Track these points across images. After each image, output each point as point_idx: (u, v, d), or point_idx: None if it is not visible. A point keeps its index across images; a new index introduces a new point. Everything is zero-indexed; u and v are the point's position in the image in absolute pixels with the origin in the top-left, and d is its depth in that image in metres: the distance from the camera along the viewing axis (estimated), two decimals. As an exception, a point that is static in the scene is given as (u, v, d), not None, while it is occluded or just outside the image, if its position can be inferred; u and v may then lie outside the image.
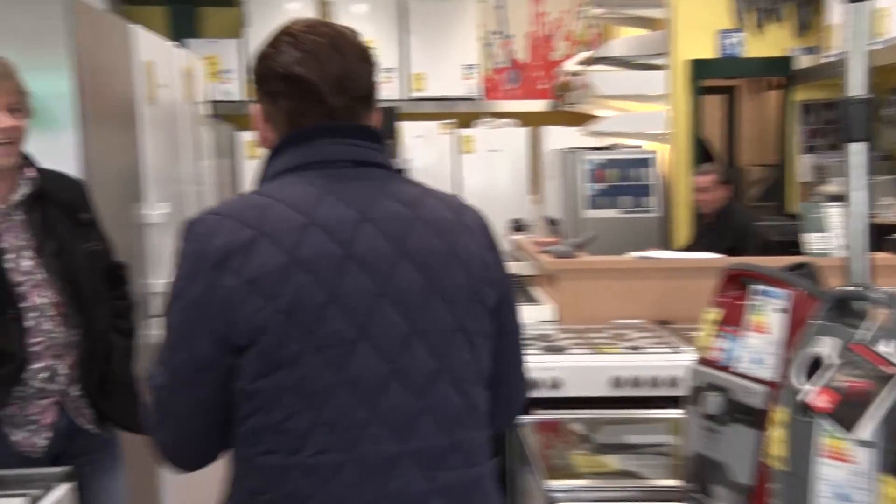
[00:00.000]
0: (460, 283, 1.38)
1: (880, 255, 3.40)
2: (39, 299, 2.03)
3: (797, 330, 1.54)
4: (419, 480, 1.31)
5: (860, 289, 1.50)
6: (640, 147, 6.17)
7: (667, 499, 1.84)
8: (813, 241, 3.38)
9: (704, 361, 1.73)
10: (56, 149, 2.48)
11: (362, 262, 1.32)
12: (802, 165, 6.08)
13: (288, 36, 1.40)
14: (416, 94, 7.45)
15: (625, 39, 6.49)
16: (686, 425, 1.76)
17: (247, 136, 6.82)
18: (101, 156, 2.64)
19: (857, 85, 1.64)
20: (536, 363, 2.89)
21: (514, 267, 4.14)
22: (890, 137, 5.83)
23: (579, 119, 7.38)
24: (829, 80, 5.88)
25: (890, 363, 1.34)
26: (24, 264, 2.03)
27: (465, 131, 7.43)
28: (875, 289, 1.47)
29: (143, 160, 3.02)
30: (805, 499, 1.40)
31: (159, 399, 1.37)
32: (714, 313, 1.75)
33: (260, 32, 7.18)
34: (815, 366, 1.44)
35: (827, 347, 1.43)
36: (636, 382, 2.89)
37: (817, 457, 1.38)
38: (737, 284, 1.76)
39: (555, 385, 2.88)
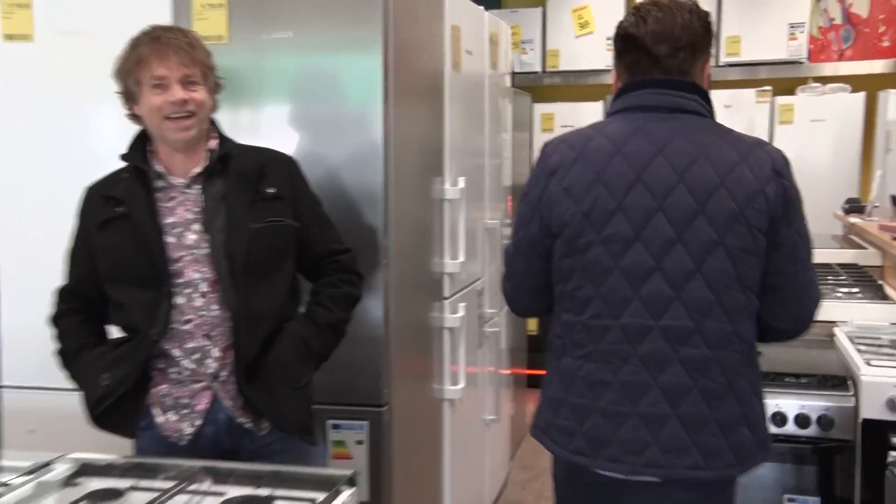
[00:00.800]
0: (726, 208, 1.68)
1: None
2: (195, 275, 1.91)
3: None
4: (665, 349, 1.71)
5: None
6: None
7: None
8: None
9: None
10: (362, 124, 2.38)
11: (647, 184, 1.71)
12: None
13: (634, 8, 1.80)
14: (727, 60, 6.82)
15: None
16: None
17: (544, 109, 6.62)
18: (405, 130, 2.51)
19: None
20: (892, 377, 2.38)
21: (849, 255, 3.56)
22: None
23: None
24: None
25: None
26: (190, 238, 1.93)
27: (783, 99, 6.69)
28: None
29: (446, 133, 2.86)
30: None
31: (507, 260, 1.95)
32: None
33: (561, 3, 6.99)
34: None
35: None
36: None
37: None
38: None
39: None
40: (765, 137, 6.79)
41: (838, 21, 7.05)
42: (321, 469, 1.99)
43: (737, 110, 6.66)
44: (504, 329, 3.73)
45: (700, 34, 1.76)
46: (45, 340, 2.06)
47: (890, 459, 2.31)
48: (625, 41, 1.79)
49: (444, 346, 2.84)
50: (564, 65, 6.99)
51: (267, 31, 2.40)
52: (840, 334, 2.82)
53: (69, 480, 1.74)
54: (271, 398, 1.93)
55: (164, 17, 2.36)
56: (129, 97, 1.95)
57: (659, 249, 1.71)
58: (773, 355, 2.71)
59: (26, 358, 2.55)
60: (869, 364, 2.45)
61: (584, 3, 6.92)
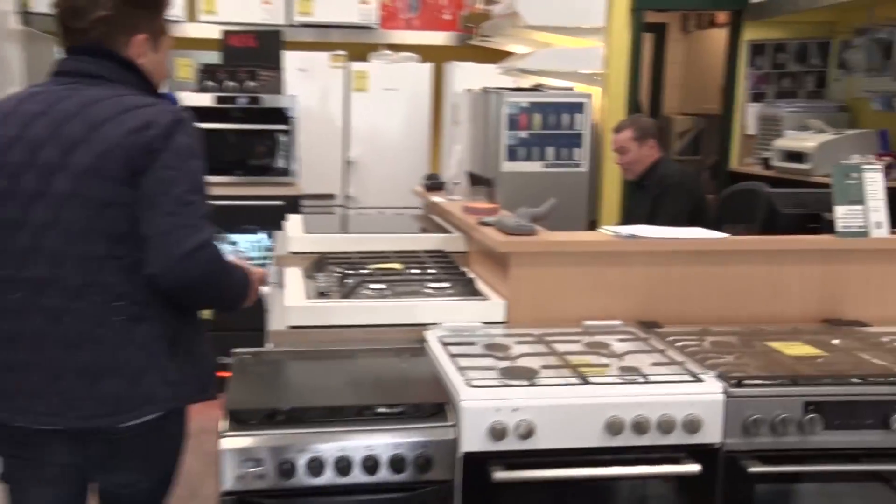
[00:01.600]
0: (85, 162, 1.82)
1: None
2: None
3: None
4: (28, 300, 1.85)
5: None
6: (571, 89, 5.25)
7: None
8: (845, 216, 2.55)
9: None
10: None
11: (26, 142, 1.85)
12: (748, 116, 5.31)
13: None
14: (300, 19, 6.29)
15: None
16: None
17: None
18: None
19: None
20: (495, 400, 1.96)
21: (434, 241, 3.17)
22: (848, 86, 5.12)
23: (491, 55, 6.40)
24: (777, 18, 5.11)
25: None
26: None
27: (357, 65, 6.34)
28: None
29: None
30: None
31: None
32: None
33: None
34: None
35: None
36: (641, 427, 1.99)
37: None
38: None
39: (525, 434, 1.95)
40: (339, 105, 6.51)
41: (405, -13, 6.86)
42: None
43: (312, 74, 6.15)
44: None
45: (114, 8, 1.90)
46: None
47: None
48: (55, 16, 1.94)
49: None
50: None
51: None
52: (433, 340, 2.37)
53: None
54: None
55: None
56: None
57: (26, 203, 1.83)
58: (360, 370, 2.20)
59: None
60: (470, 385, 2.00)
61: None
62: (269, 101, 5.09)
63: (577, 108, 5.09)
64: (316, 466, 1.88)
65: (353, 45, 6.55)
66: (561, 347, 2.30)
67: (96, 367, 1.82)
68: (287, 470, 1.87)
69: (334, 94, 6.27)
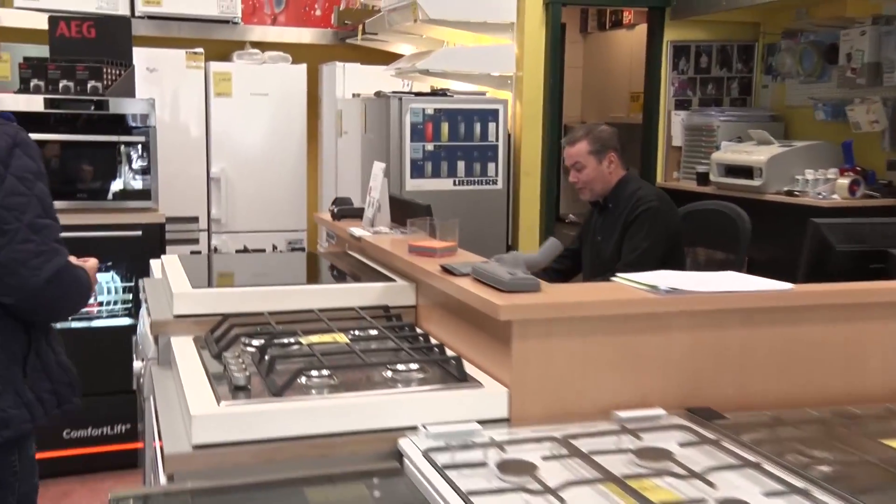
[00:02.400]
0: None
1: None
2: None
3: None
4: None
5: None
6: (483, 94, 4.56)
7: None
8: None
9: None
10: None
11: None
12: (674, 125, 4.80)
13: None
14: (146, 10, 5.29)
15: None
16: None
17: None
18: None
19: None
20: None
21: (375, 292, 2.40)
22: (779, 93, 4.70)
23: (375, 56, 5.64)
24: (701, 17, 4.63)
25: None
26: None
27: (218, 65, 5.42)
28: None
29: None
30: None
31: None
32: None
33: None
34: None
35: None
36: None
37: None
38: None
39: None
40: (198, 111, 5.56)
41: (274, -24, 5.99)
42: None
43: (163, 75, 5.17)
44: None
45: None
46: None
47: None
48: None
49: None
50: None
51: None
52: (414, 455, 1.61)
53: None
54: None
55: None
56: None
57: None
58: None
59: None
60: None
61: None
62: (117, 105, 4.10)
63: (490, 115, 4.41)
64: None
65: (213, 42, 5.62)
66: (605, 461, 1.58)
67: None
68: None
69: (191, 98, 5.32)
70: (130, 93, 4.25)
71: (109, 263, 3.88)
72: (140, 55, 4.86)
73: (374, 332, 2.11)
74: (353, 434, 1.69)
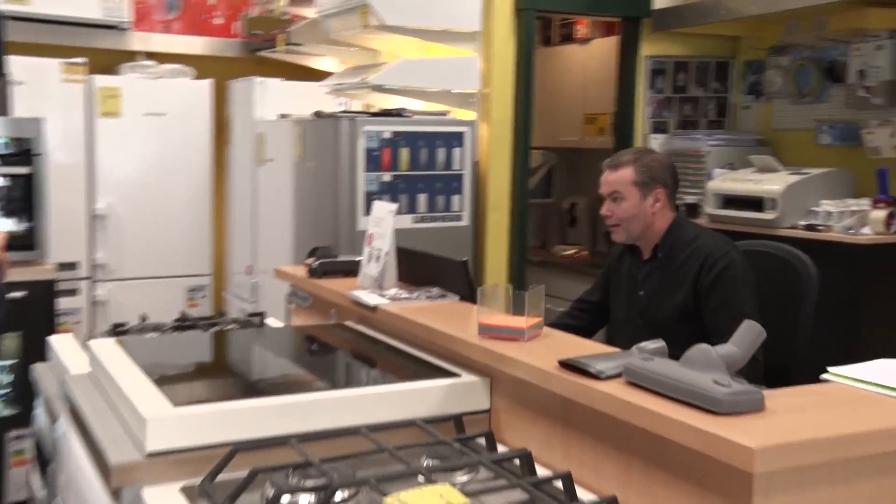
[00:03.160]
0: None
1: None
2: None
3: None
4: None
5: None
6: (444, 114, 3.87)
7: None
8: None
9: None
10: None
11: None
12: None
13: None
14: (11, 9, 4.32)
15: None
16: None
17: None
18: None
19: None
20: None
21: (395, 398, 1.68)
22: (764, 114, 4.25)
23: (291, 72, 4.86)
24: (679, 30, 4.14)
25: None
26: None
27: (104, 79, 4.50)
28: None
29: None
30: None
31: None
32: None
33: None
34: None
35: None
36: None
37: None
38: None
39: None
40: (80, 135, 4.60)
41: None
42: None
43: (35, 90, 4.21)
44: None
45: None
46: None
47: None
48: None
49: None
50: None
51: None
52: None
53: None
54: None
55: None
56: None
57: None
58: None
59: None
60: None
61: None
62: (-10, 127, 3.16)
63: (455, 139, 3.73)
64: None
65: (97, 51, 4.69)
66: None
67: None
68: None
69: (70, 119, 4.38)
70: (3, 111, 3.32)
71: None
72: (14, 64, 3.90)
73: (484, 475, 1.38)
74: None
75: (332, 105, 4.31)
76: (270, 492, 1.26)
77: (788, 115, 4.07)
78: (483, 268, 3.88)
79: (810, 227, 3.39)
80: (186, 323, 2.31)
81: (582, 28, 4.96)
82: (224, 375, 1.93)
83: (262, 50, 4.89)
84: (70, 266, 4.38)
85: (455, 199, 3.76)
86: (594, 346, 1.66)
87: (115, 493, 1.39)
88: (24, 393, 2.82)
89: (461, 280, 2.12)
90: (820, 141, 3.79)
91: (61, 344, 2.20)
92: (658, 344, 1.43)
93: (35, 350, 2.55)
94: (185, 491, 1.35)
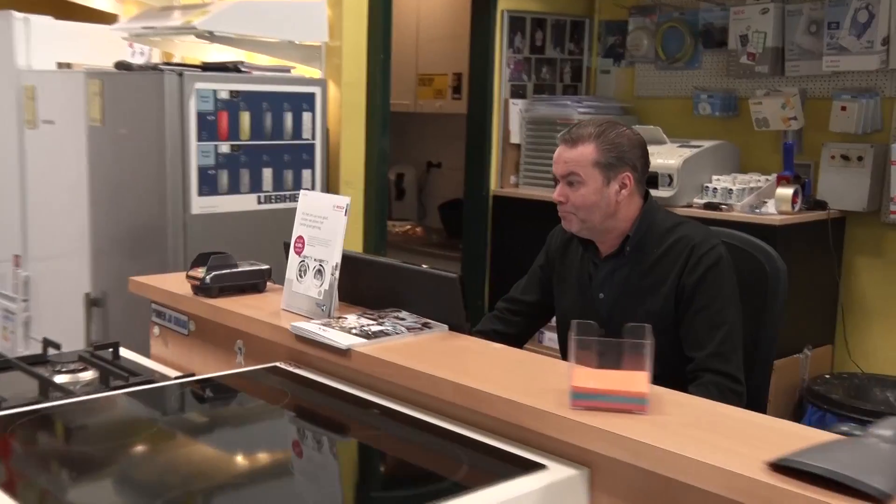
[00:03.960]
0: None
1: None
2: None
3: None
4: None
5: None
6: (287, 71, 3.14)
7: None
8: None
9: None
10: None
11: None
12: (512, 118, 3.81)
13: None
14: None
15: None
16: None
17: None
18: None
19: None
20: None
21: None
22: (624, 80, 3.94)
23: (57, 9, 3.86)
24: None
25: None
26: None
27: None
28: None
29: None
30: None
31: None
32: None
33: None
34: None
35: None
36: None
37: None
38: None
39: None
40: None
41: None
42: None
43: None
44: None
45: None
46: None
47: None
48: None
49: None
50: None
51: None
52: None
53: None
54: None
55: None
56: None
57: None
58: None
59: None
60: None
61: None
62: None
63: (304, 102, 3.04)
64: None
65: None
66: None
67: None
68: None
69: None
70: None
71: None
72: None
73: None
74: None
75: (122, 54, 3.43)
76: None
77: (655, 82, 3.78)
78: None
79: (711, 206, 3.10)
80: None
81: (415, -24, 4.38)
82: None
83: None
84: None
85: (306, 174, 3.08)
86: (714, 408, 1.15)
87: None
88: None
89: (449, 302, 1.52)
90: (701, 111, 3.52)
91: None
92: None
93: None
94: None
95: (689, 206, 3.17)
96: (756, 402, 2.05)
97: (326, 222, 1.55)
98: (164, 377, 1.61)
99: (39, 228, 3.48)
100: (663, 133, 3.34)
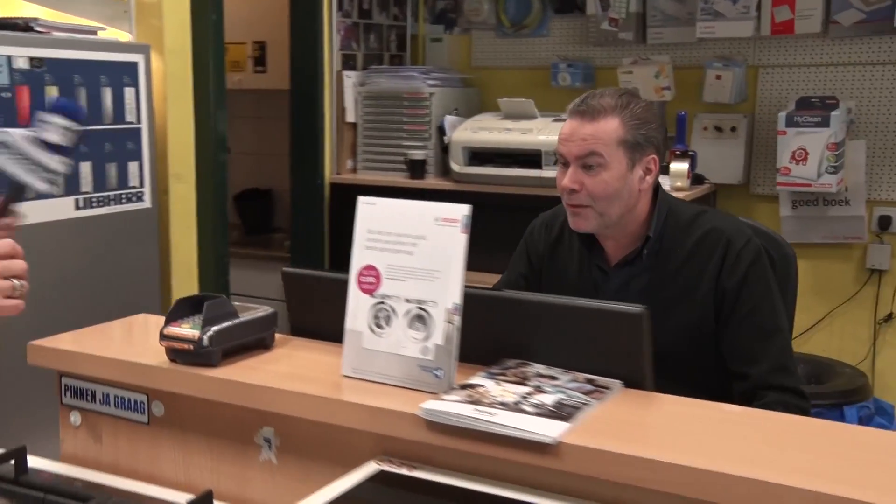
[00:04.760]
0: None
1: None
2: None
3: None
4: None
5: None
6: (94, 33, 2.36)
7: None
8: None
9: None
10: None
11: None
12: (347, 92, 3.27)
13: None
14: None
15: None
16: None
17: None
18: None
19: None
20: None
21: None
22: (459, 48, 3.57)
23: None
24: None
25: None
26: None
27: None
28: None
29: None
30: None
31: None
32: None
33: None
34: None
35: None
36: None
37: None
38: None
39: None
40: None
41: None
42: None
43: None
44: None
45: None
46: None
47: None
48: None
49: None
50: None
51: None
52: None
53: None
54: None
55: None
56: None
57: None
58: None
59: None
60: None
61: None
62: None
63: (125, 75, 2.32)
64: None
65: None
66: None
67: None
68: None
69: None
70: None
71: None
72: None
73: None
74: None
75: None
76: None
77: (497, 51, 3.44)
78: (170, 271, 2.56)
79: (600, 186, 2.83)
80: None
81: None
82: None
83: None
84: None
85: (132, 167, 2.36)
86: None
87: None
88: None
89: (626, 345, 1.06)
90: (560, 82, 3.23)
91: None
92: None
93: None
94: None
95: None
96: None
97: (425, 244, 1.01)
98: (139, 498, 0.99)
99: None
100: (533, 106, 3.01)
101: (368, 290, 1.07)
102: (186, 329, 1.11)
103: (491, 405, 0.95)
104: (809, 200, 2.93)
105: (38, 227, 2.12)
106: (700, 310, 1.66)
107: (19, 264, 1.07)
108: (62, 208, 2.18)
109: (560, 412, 0.93)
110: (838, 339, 3.01)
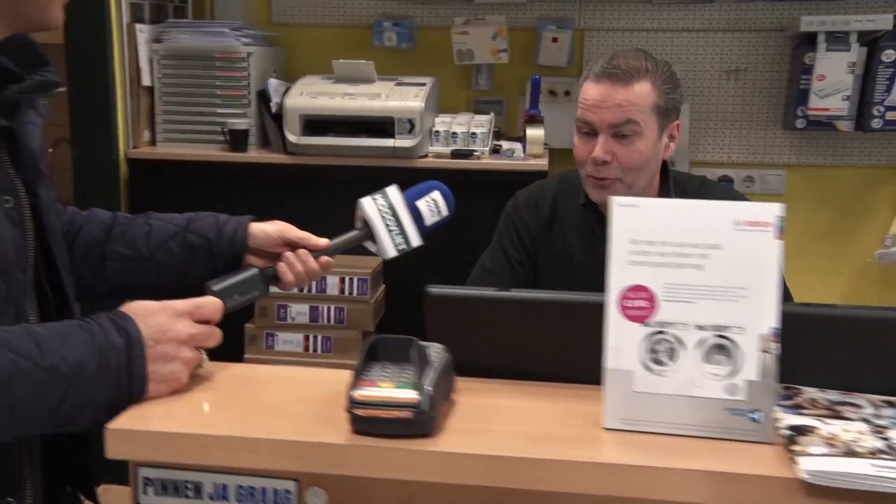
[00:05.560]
0: None
1: None
2: None
3: None
4: None
5: None
6: None
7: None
8: None
9: None
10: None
11: None
12: (142, 53, 2.72)
13: None
14: None
15: None
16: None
17: None
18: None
19: None
20: None
21: None
22: (256, 4, 3.17)
23: None
24: None
25: None
26: None
27: None
28: None
29: None
30: None
31: None
32: None
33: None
34: None
35: None
36: None
37: None
38: None
39: None
40: None
41: None
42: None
43: None
44: None
45: None
46: None
47: None
48: None
49: None
50: None
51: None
52: None
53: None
54: None
55: None
56: None
57: None
58: None
59: None
60: None
61: None
62: None
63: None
64: None
65: None
66: None
67: None
68: None
69: None
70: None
71: None
72: None
73: None
74: None
75: None
76: None
77: (302, 6, 3.07)
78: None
79: (459, 154, 2.64)
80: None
81: None
82: None
83: None
84: None
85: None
86: None
87: None
88: None
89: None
90: (385, 41, 2.95)
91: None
92: None
93: None
94: None
95: (438, 156, 2.66)
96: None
97: (720, 255, 0.78)
98: None
99: None
100: (373, 69, 2.72)
101: (639, 318, 0.81)
102: (390, 389, 0.76)
103: (874, 455, 0.76)
104: (638, 163, 2.98)
105: None
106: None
107: (217, 338, 0.94)
108: None
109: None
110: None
